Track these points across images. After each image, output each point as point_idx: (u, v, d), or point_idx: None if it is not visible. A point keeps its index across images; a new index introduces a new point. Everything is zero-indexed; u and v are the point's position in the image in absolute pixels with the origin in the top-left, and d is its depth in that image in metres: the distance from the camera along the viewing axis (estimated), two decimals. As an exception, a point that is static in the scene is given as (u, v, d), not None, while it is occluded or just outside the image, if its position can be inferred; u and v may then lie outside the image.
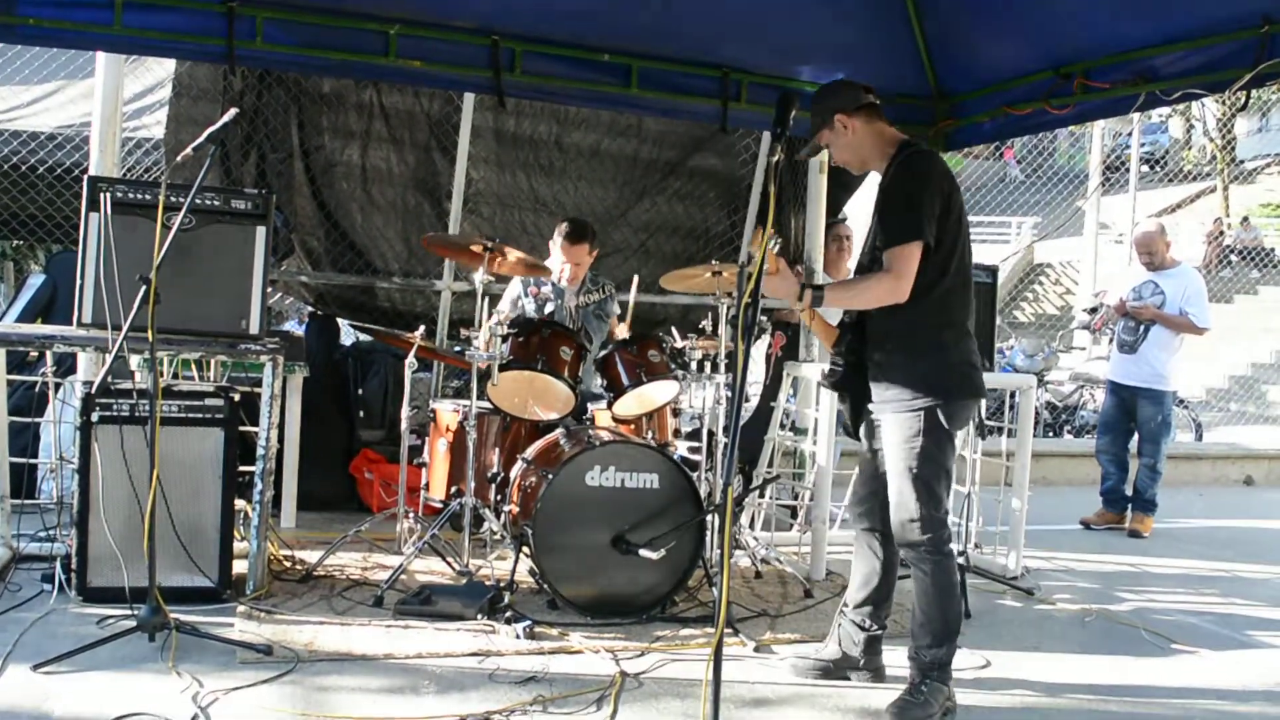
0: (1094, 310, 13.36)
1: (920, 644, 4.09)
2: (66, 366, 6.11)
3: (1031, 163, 28.77)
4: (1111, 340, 8.58)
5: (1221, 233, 26.63)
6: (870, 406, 4.20)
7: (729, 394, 5.46)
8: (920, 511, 4.00)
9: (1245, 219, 28.06)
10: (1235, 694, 4.57)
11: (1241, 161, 34.77)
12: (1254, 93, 5.05)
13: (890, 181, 4.12)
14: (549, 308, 6.29)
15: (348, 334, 8.57)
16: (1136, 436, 8.22)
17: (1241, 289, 24.20)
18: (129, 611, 4.28)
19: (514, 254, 5.43)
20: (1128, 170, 22.65)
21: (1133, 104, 5.54)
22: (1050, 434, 13.92)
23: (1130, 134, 22.88)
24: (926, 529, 4.00)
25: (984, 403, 5.29)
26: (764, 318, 7.80)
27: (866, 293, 4.10)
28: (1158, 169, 32.38)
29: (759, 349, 8.59)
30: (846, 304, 4.25)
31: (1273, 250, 26.09)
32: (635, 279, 6.08)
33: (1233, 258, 25.88)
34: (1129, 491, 8.21)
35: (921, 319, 4.04)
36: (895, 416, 4.06)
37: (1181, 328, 7.97)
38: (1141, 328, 8.04)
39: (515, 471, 5.38)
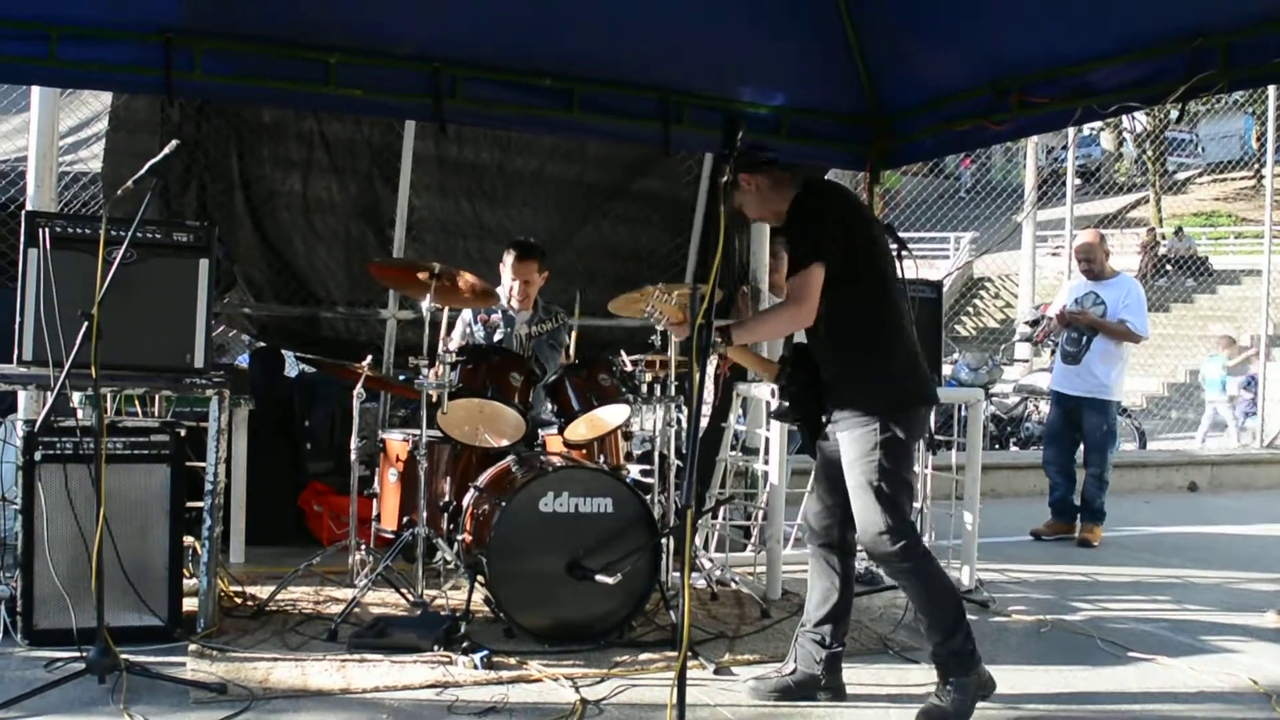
0: (1035, 323, 13.53)
1: (934, 643, 4.18)
2: (7, 405, 6.00)
3: (968, 179, 29.08)
4: (1054, 351, 8.64)
5: (1156, 243, 27.05)
6: (826, 423, 4.25)
7: (681, 416, 5.46)
8: (886, 523, 4.06)
9: (1179, 229, 28.52)
10: (1193, 698, 4.62)
11: (1173, 172, 35.36)
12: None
13: (787, 216, 4.24)
14: (498, 335, 6.24)
15: (293, 366, 8.48)
16: (1082, 447, 8.30)
17: (1178, 297, 24.63)
18: (77, 653, 4.18)
19: (465, 278, 5.41)
20: (1063, 184, 22.96)
21: (1070, 118, 5.63)
22: (996, 446, 14.03)
23: (1065, 147, 23.17)
24: (896, 539, 4.06)
25: (934, 417, 5.32)
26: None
27: (771, 323, 4.19)
28: (1092, 182, 32.82)
29: (708, 370, 8.60)
30: (755, 338, 4.31)
31: (1206, 259, 26.54)
32: (577, 296, 6.09)
33: (1168, 267, 26.29)
34: (1077, 501, 8.27)
35: (861, 336, 4.13)
36: (850, 433, 4.11)
37: (1120, 335, 8.04)
38: (1084, 338, 8.09)
39: (468, 500, 5.34)
